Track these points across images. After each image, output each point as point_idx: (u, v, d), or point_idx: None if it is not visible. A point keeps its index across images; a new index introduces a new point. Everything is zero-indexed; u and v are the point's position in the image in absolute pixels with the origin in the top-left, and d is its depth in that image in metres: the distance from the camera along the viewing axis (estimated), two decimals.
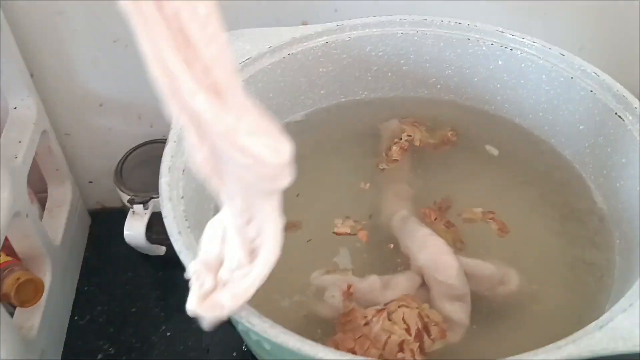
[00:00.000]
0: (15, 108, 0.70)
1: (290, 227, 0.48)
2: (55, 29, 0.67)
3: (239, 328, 0.44)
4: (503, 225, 0.49)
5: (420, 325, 0.41)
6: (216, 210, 0.49)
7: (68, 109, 0.75)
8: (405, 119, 0.57)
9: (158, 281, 0.78)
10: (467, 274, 0.45)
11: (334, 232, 0.49)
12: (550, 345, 0.33)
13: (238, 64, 0.51)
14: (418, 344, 0.40)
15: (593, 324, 0.34)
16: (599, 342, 0.33)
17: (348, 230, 0.49)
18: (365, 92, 0.59)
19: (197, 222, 0.44)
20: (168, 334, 0.73)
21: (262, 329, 0.34)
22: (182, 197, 0.42)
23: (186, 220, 0.41)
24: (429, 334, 0.41)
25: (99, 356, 0.71)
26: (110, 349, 0.72)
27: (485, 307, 0.45)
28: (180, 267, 0.78)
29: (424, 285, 0.46)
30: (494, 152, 0.55)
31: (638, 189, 0.45)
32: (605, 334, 0.33)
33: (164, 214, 0.40)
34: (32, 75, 0.71)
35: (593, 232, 0.48)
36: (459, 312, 0.44)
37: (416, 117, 0.57)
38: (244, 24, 0.55)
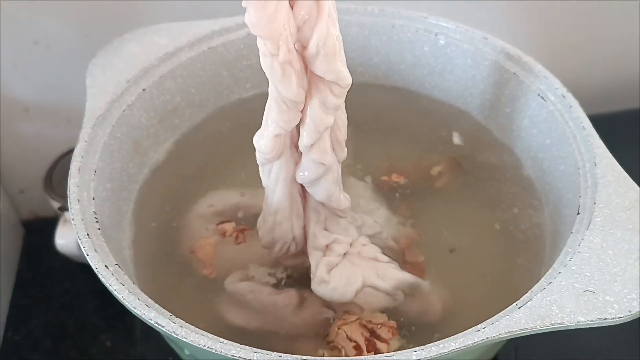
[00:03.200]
0: None
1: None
2: None
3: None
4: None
5: (367, 335, 0.39)
6: (134, 211, 0.47)
7: None
8: None
9: (97, 290, 0.75)
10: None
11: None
12: (470, 330, 0.32)
13: (155, 59, 0.49)
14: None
15: (513, 304, 0.34)
16: (517, 322, 0.32)
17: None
18: None
19: (114, 223, 0.43)
20: (108, 343, 0.71)
21: (171, 328, 0.32)
22: (94, 199, 0.40)
23: (97, 222, 0.39)
24: (380, 339, 0.40)
25: None
26: None
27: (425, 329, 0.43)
28: None
29: None
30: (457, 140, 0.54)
31: (561, 169, 0.44)
32: (524, 314, 0.32)
33: (71, 216, 0.38)
34: None
35: (528, 219, 0.48)
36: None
37: None
38: (172, 17, 0.53)
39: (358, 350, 0.39)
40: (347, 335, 0.40)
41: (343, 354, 0.39)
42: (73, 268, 0.78)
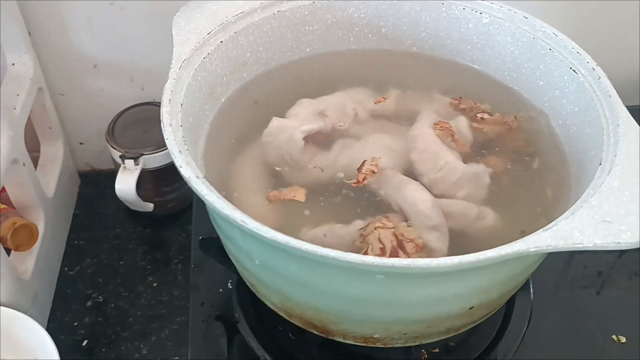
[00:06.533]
0: (13, 64, 0.73)
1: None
2: None
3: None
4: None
5: (395, 244, 0.46)
6: (206, 146, 0.54)
7: (63, 69, 0.79)
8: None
9: (145, 237, 0.82)
10: (446, 212, 0.50)
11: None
12: (504, 245, 0.38)
13: (232, 16, 0.56)
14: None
15: (540, 229, 0.40)
16: (543, 240, 0.38)
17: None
18: (348, 54, 0.64)
19: (192, 152, 0.49)
20: (154, 284, 0.77)
21: (254, 226, 0.38)
22: (181, 126, 0.47)
23: (185, 144, 0.45)
24: (404, 251, 0.45)
25: (88, 303, 0.75)
26: (99, 297, 0.76)
27: (462, 241, 0.49)
28: (166, 226, 0.83)
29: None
30: None
31: (587, 132, 0.50)
32: (549, 235, 0.38)
33: (165, 137, 0.44)
34: (29, 34, 0.74)
35: (554, 170, 0.54)
36: (436, 240, 0.48)
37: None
38: None
39: (382, 252, 0.45)
40: (379, 237, 0.46)
41: (368, 250, 0.45)
42: (124, 216, 0.84)
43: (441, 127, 0.55)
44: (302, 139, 0.54)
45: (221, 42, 0.55)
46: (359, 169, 0.51)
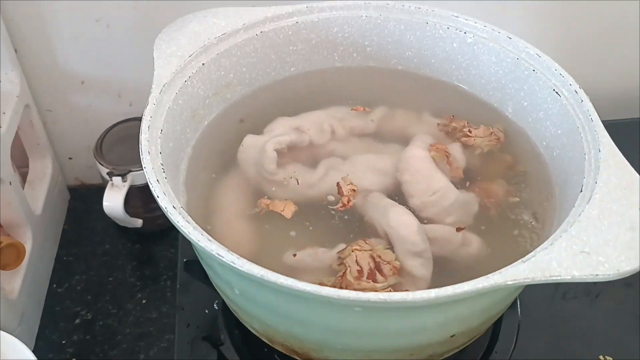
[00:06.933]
0: None
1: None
2: (39, 7, 0.70)
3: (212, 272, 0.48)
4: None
5: (372, 266, 0.45)
6: (188, 170, 0.53)
7: (50, 85, 0.79)
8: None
9: (134, 253, 0.82)
10: (430, 238, 0.49)
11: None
12: (481, 277, 0.38)
13: (214, 38, 0.56)
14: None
15: (519, 260, 0.40)
16: (521, 272, 0.38)
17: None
18: (333, 72, 0.64)
19: (172, 178, 0.49)
20: (143, 301, 0.77)
21: (230, 259, 0.38)
22: (160, 153, 0.46)
23: (164, 172, 0.45)
24: (381, 273, 0.45)
25: (77, 321, 0.75)
26: (88, 314, 0.75)
27: (448, 267, 0.49)
28: (155, 241, 0.82)
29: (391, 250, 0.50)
30: None
31: (569, 155, 0.50)
32: (527, 267, 0.38)
33: (144, 165, 0.44)
34: (15, 51, 0.74)
35: (539, 193, 0.54)
36: (420, 267, 0.48)
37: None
38: (220, 2, 0.59)
39: (359, 274, 0.45)
40: (356, 259, 0.46)
41: (346, 272, 0.45)
42: (113, 231, 0.84)
43: (437, 149, 0.55)
44: (274, 149, 0.54)
45: (203, 64, 0.55)
46: (339, 193, 0.51)
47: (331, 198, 0.53)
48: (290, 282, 0.37)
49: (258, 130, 0.57)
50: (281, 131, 0.56)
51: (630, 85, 0.87)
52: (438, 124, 0.59)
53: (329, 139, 0.58)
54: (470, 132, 0.57)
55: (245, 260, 0.38)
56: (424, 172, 0.53)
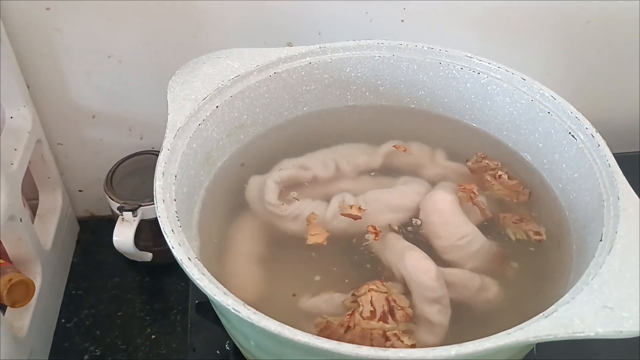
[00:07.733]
0: (11, 117, 0.73)
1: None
2: (52, 43, 0.71)
3: (226, 322, 0.47)
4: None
5: (386, 309, 0.45)
6: (201, 213, 0.53)
7: (62, 119, 0.79)
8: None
9: (144, 287, 0.82)
10: (448, 282, 0.49)
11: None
12: (502, 333, 0.38)
13: (228, 80, 0.55)
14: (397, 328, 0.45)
15: (540, 314, 0.39)
16: (543, 329, 0.37)
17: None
18: (345, 111, 0.64)
19: (186, 223, 0.48)
20: (153, 336, 0.76)
21: (246, 314, 0.38)
22: (175, 200, 0.46)
23: (178, 220, 0.44)
24: (393, 317, 0.45)
25: (85, 357, 0.74)
26: (97, 350, 0.75)
27: (466, 313, 0.48)
28: (165, 274, 0.82)
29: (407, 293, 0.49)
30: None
31: (587, 200, 0.50)
32: (549, 322, 0.38)
33: (158, 214, 0.43)
34: (28, 87, 0.74)
35: (556, 238, 0.53)
36: (437, 313, 0.47)
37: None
38: (233, 44, 0.59)
39: (371, 315, 0.44)
40: (371, 299, 0.45)
41: (356, 311, 0.45)
42: (123, 265, 0.84)
43: (464, 189, 0.54)
44: (275, 182, 0.55)
45: (217, 107, 0.55)
46: (345, 215, 0.53)
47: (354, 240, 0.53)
48: (308, 339, 0.36)
49: (265, 172, 0.58)
50: (284, 167, 0.57)
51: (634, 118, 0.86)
52: (467, 161, 0.59)
53: (334, 174, 0.58)
54: (500, 176, 0.56)
55: (262, 315, 0.38)
56: (453, 215, 0.53)
